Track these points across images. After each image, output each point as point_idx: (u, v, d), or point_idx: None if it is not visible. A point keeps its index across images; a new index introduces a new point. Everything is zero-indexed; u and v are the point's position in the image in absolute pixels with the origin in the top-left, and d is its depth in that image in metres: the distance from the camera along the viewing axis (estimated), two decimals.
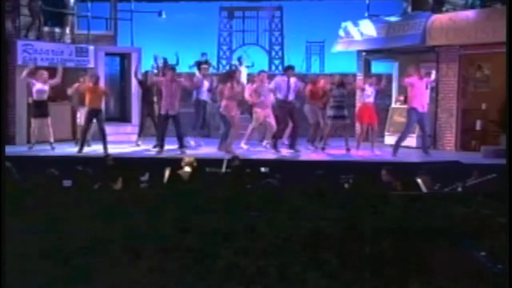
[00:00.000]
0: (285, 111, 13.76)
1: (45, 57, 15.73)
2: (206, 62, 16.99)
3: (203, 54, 17.63)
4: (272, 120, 13.63)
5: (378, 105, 15.29)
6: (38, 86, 14.16)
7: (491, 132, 14.23)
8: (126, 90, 17.69)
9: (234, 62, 19.15)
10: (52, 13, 16.73)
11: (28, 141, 15.12)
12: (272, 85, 13.69)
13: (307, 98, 14.52)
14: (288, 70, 14.15)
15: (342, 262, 3.61)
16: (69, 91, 14.82)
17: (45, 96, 14.22)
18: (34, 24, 16.02)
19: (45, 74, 14.21)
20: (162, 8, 19.40)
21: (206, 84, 15.22)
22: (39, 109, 14.21)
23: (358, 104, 15.69)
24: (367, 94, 14.38)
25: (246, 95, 13.74)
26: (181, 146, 13.66)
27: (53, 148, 14.16)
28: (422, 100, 13.54)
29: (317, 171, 8.32)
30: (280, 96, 13.72)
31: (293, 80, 13.79)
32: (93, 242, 3.84)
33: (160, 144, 13.68)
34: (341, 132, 14.87)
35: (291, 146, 13.91)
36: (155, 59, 17.26)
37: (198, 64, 16.59)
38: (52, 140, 14.27)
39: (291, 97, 13.74)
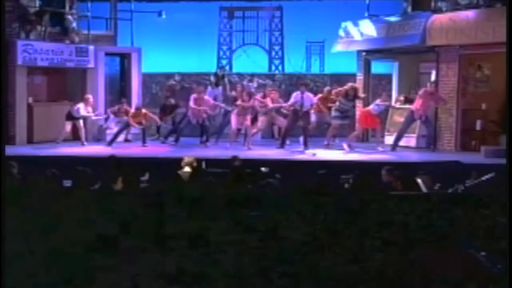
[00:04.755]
0: (296, 117, 15.04)
1: (45, 57, 15.72)
2: (224, 76, 18.07)
3: (221, 67, 18.07)
4: (281, 124, 15.74)
5: (379, 109, 15.56)
6: None
7: (491, 132, 14.22)
8: (126, 90, 17.69)
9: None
10: (52, 13, 16.72)
11: (29, 141, 15.29)
12: (292, 99, 15.12)
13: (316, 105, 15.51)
14: (301, 86, 15.40)
15: None
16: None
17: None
18: (34, 24, 16.01)
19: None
20: (162, 8, 19.39)
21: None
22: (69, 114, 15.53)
23: (358, 112, 16.20)
24: (375, 108, 15.13)
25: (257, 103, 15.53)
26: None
27: (83, 144, 15.39)
28: (422, 109, 14.43)
29: (319, 171, 8.32)
30: (296, 106, 15.03)
31: (307, 94, 15.08)
32: None
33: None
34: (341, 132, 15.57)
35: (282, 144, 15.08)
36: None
37: (217, 77, 17.89)
38: (83, 139, 15.54)
39: (304, 108, 14.93)
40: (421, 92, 14.61)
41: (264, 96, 16.02)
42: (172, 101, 16.99)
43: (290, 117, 15.15)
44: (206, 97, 16.18)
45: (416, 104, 14.53)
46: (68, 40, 16.54)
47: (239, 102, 15.26)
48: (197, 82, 18.27)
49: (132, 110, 15.90)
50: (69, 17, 16.81)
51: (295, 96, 15.04)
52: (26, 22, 15.74)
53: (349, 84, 15.61)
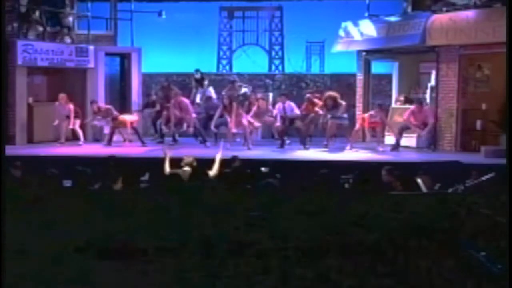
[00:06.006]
0: (284, 122, 15.38)
1: (45, 57, 15.72)
2: (203, 77, 18.01)
3: (197, 71, 17.95)
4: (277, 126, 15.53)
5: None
6: None
7: (491, 132, 14.21)
8: (126, 90, 17.70)
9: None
10: (52, 13, 16.73)
11: (29, 141, 15.33)
12: (275, 111, 15.56)
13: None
14: (281, 96, 16.12)
15: None
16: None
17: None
18: (33, 24, 16.01)
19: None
20: (162, 8, 19.38)
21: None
22: None
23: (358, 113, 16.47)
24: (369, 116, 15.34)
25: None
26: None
27: (80, 145, 15.38)
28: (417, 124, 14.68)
29: (321, 171, 8.32)
30: (280, 114, 15.49)
31: (288, 103, 15.49)
32: None
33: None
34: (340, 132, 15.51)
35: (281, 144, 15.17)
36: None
37: (196, 80, 17.92)
38: (82, 139, 15.65)
39: (288, 116, 15.35)
40: (407, 113, 14.71)
41: (250, 104, 15.99)
42: (154, 97, 16.94)
43: (281, 122, 15.37)
44: (187, 101, 15.86)
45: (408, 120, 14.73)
46: (68, 39, 16.55)
47: (219, 110, 15.47)
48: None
49: (105, 107, 15.90)
50: (67, 18, 16.81)
51: (278, 108, 15.49)
52: (21, 20, 15.72)
53: (326, 94, 15.56)
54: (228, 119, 15.30)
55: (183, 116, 15.59)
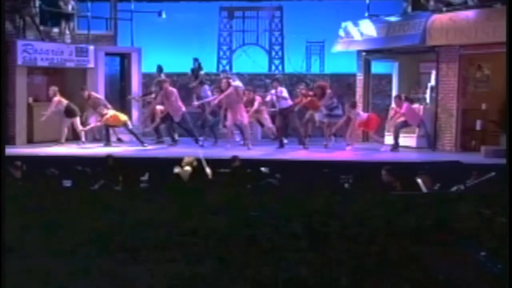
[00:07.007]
0: (278, 116, 15.25)
1: (45, 57, 15.72)
2: (200, 67, 17.73)
3: (195, 60, 17.80)
4: (267, 124, 15.77)
5: (379, 109, 15.64)
6: None
7: (491, 132, 14.21)
8: (126, 90, 17.69)
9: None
10: (52, 13, 16.72)
11: (29, 141, 15.30)
12: (268, 98, 15.63)
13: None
14: (273, 82, 15.99)
15: None
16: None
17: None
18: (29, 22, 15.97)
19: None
20: (162, 8, 19.39)
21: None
22: (68, 111, 15.39)
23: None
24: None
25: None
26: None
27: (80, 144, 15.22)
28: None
29: (322, 170, 8.33)
30: (274, 102, 15.55)
31: (280, 89, 15.37)
32: None
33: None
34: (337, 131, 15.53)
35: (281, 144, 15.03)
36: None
37: (193, 71, 17.63)
38: (83, 138, 15.49)
39: (278, 104, 15.22)
40: (391, 114, 15.25)
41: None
42: (153, 89, 16.77)
43: (276, 117, 15.34)
44: (173, 90, 15.49)
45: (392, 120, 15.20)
46: (68, 38, 16.53)
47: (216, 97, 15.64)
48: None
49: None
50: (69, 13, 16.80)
51: (270, 94, 15.60)
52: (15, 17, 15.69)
53: (316, 84, 15.81)
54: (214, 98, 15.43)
55: (167, 108, 15.36)
